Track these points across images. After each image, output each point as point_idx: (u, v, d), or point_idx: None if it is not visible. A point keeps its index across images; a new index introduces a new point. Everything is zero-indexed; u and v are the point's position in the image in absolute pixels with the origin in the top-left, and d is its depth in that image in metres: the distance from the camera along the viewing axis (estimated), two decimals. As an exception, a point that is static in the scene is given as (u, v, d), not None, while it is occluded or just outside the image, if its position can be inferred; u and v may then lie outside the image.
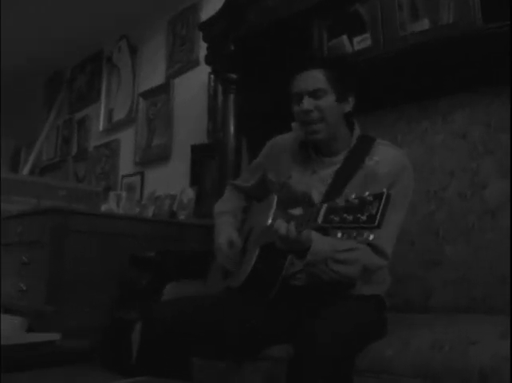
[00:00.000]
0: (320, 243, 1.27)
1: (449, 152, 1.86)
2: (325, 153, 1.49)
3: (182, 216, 2.74)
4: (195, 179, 3.11)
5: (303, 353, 1.06)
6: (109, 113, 4.08)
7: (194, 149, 3.15)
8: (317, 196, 1.43)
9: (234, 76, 2.48)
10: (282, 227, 1.20)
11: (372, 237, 0.97)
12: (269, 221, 1.38)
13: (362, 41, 2.05)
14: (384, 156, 1.42)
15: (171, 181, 3.31)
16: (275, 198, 1.45)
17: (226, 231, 1.55)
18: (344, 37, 2.09)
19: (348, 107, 1.44)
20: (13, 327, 2.05)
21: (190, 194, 2.78)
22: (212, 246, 1.59)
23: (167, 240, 2.43)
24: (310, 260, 1.26)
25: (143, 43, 3.82)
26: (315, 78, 1.39)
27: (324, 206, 1.05)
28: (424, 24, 1.87)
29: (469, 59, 1.76)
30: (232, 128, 2.49)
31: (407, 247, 1.88)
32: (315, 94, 1.38)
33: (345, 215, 0.98)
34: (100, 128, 4.16)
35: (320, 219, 1.04)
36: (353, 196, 1.00)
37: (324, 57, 1.43)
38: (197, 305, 1.35)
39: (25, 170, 4.57)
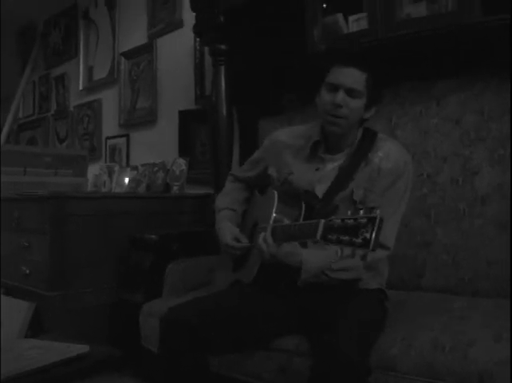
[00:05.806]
0: (312, 259, 1.35)
1: (442, 137, 1.91)
2: (331, 149, 1.54)
3: (175, 187, 2.77)
4: (184, 145, 3.11)
5: (326, 362, 1.14)
6: (89, 71, 3.96)
7: (183, 114, 3.12)
8: (320, 192, 1.48)
9: (223, 47, 2.43)
10: (260, 239, 1.32)
11: (368, 258, 1.05)
12: (273, 215, 1.44)
13: (358, 20, 2.02)
14: (388, 152, 1.50)
15: (159, 146, 3.30)
16: (275, 193, 1.50)
17: (229, 229, 1.61)
18: (340, 15, 2.06)
19: (369, 115, 1.49)
20: (20, 311, 2.12)
21: (182, 165, 2.79)
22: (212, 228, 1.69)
23: (163, 214, 2.48)
24: (305, 278, 1.36)
25: (121, -1, 3.66)
26: (357, 78, 1.40)
27: (322, 222, 1.11)
28: (422, 6, 1.86)
29: (466, 46, 1.78)
30: (224, 97, 2.46)
31: (401, 228, 1.96)
32: (351, 93, 1.41)
33: (341, 237, 1.05)
34: (80, 86, 4.03)
35: (318, 235, 1.11)
36: (349, 213, 1.06)
37: (368, 60, 1.45)
38: (215, 303, 1.42)
39: (5, 129, 4.44)
